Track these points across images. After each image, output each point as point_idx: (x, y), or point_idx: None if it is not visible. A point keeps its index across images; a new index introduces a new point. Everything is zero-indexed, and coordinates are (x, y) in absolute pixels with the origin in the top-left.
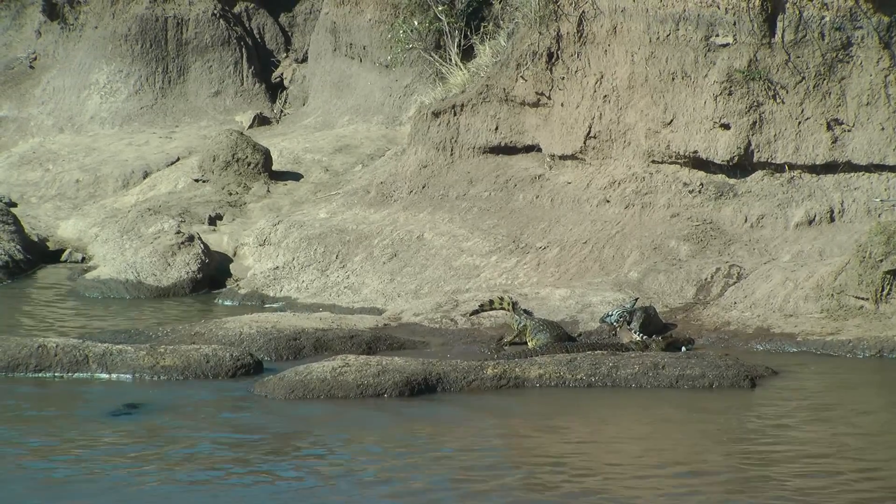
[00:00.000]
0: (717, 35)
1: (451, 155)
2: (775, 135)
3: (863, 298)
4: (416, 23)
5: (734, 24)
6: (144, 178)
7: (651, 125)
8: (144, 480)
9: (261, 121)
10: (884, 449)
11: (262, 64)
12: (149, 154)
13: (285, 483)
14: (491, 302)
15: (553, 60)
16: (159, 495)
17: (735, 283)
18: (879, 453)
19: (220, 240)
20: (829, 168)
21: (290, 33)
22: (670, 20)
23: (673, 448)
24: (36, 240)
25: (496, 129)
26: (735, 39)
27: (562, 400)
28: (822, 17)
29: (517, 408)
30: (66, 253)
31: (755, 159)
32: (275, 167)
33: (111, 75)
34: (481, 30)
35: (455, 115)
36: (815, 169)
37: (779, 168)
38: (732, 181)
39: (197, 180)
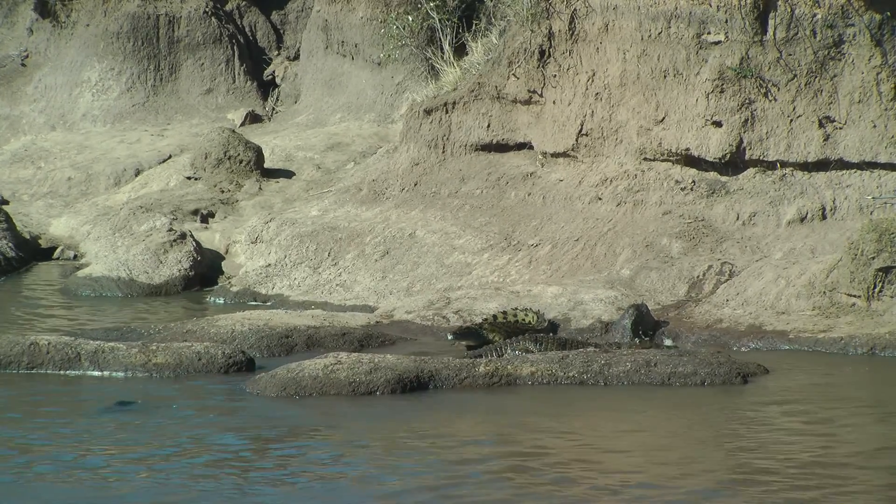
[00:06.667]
0: (709, 33)
1: (443, 153)
2: (767, 132)
3: (855, 296)
4: (409, 19)
5: (726, 21)
6: (136, 176)
7: (643, 123)
8: (136, 478)
9: (252, 118)
10: (876, 446)
11: (254, 62)
12: (141, 152)
13: (278, 481)
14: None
15: (545, 58)
16: (151, 493)
17: (727, 280)
18: (872, 450)
19: (212, 237)
20: (821, 166)
21: (281, 31)
22: (662, 18)
23: (664, 445)
24: (28, 237)
25: (488, 126)
26: (727, 37)
27: (553, 398)
28: (814, 15)
29: (509, 405)
30: (59, 251)
31: (747, 157)
32: (267, 165)
33: (103, 73)
34: (473, 27)
35: (447, 112)
36: (806, 166)
37: (771, 165)
38: (724, 179)
39: (189, 178)
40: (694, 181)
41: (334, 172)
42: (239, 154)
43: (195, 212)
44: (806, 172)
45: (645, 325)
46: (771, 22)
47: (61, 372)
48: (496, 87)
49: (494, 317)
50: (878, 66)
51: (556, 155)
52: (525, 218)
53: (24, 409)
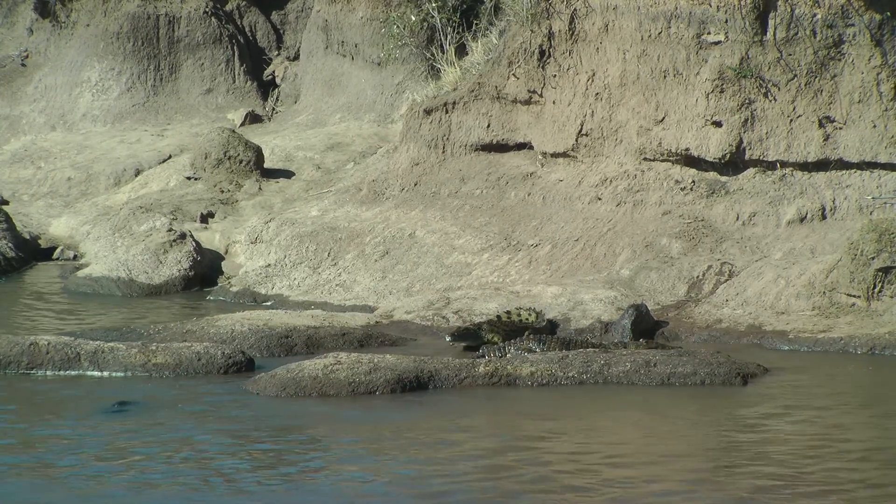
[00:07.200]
0: (709, 33)
1: (443, 153)
2: (767, 132)
3: (854, 296)
4: (412, 17)
5: (726, 21)
6: (136, 176)
7: (643, 123)
8: (136, 478)
9: (252, 118)
10: (874, 445)
11: (254, 62)
12: (141, 152)
13: (277, 481)
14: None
15: (545, 58)
16: (151, 493)
17: (727, 280)
18: (870, 450)
19: (211, 237)
20: (821, 166)
21: (281, 31)
22: (662, 18)
23: (664, 445)
24: (28, 238)
25: (488, 126)
26: (727, 37)
27: (553, 398)
28: (814, 15)
29: (509, 406)
30: (58, 251)
31: (747, 157)
32: (266, 165)
33: (103, 73)
34: (473, 27)
35: (447, 112)
36: (806, 166)
37: (770, 166)
38: (724, 179)
39: (189, 178)
40: (694, 181)
41: (334, 172)
42: (239, 154)
43: (195, 212)
44: (806, 172)
45: (644, 324)
46: (771, 22)
47: (61, 372)
48: (496, 87)
49: (498, 317)
50: (878, 66)
51: (555, 155)
52: (525, 218)
53: (24, 410)
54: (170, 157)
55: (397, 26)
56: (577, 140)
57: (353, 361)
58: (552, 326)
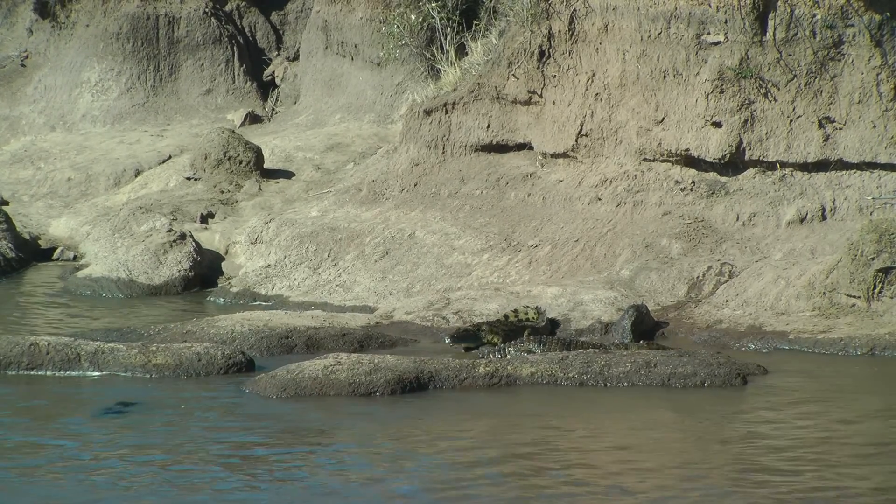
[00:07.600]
0: (709, 33)
1: (443, 153)
2: (767, 133)
3: (854, 297)
4: (412, 17)
5: (725, 22)
6: (136, 177)
7: (643, 123)
8: (136, 479)
9: (252, 119)
10: (874, 446)
11: (254, 62)
12: (140, 152)
13: (278, 482)
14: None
15: (545, 59)
16: (151, 493)
17: (727, 281)
18: (870, 450)
19: (211, 238)
20: (821, 166)
21: (281, 31)
22: (662, 18)
23: (664, 446)
24: (28, 238)
25: (488, 127)
26: (726, 38)
27: (553, 399)
28: (814, 15)
29: (509, 406)
30: (58, 251)
31: (747, 157)
32: (266, 165)
33: (102, 73)
34: (473, 27)
35: (447, 113)
36: (806, 167)
37: (770, 166)
38: (724, 179)
39: (189, 178)
40: (694, 182)
41: (334, 173)
42: (238, 154)
43: (195, 212)
44: (806, 173)
45: (644, 325)
46: (770, 22)
47: (61, 373)
48: (496, 87)
49: (506, 316)
50: (878, 67)
51: (555, 155)
52: (525, 218)
53: (25, 411)
54: (170, 157)
55: (397, 26)
56: (576, 140)
57: (353, 362)
58: (552, 326)
